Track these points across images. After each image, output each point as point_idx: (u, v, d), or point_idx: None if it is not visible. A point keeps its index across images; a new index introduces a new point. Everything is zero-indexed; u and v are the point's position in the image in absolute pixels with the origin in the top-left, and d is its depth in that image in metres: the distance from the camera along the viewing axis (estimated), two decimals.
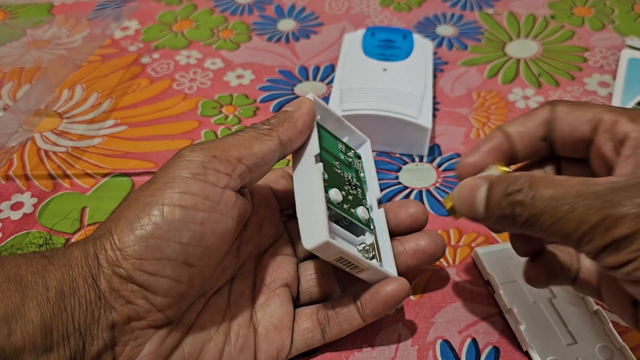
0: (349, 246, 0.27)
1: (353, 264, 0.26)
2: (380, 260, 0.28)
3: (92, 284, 0.22)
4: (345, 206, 0.27)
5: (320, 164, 0.27)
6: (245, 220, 0.27)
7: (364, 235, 0.29)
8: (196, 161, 0.24)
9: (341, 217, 0.28)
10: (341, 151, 0.30)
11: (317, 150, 0.27)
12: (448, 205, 0.26)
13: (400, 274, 0.28)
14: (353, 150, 0.32)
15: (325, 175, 0.27)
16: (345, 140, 0.32)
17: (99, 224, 0.37)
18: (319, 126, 0.29)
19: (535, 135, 0.26)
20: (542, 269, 0.27)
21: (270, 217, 0.30)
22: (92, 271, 0.22)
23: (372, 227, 0.29)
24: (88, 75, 0.49)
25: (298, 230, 0.29)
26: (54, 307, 0.21)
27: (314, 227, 0.24)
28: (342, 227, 0.27)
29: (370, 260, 0.27)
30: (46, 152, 0.42)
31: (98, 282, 0.22)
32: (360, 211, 0.28)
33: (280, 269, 0.30)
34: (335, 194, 0.27)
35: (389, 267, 0.28)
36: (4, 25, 0.55)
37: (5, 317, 0.20)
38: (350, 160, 0.31)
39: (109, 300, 0.22)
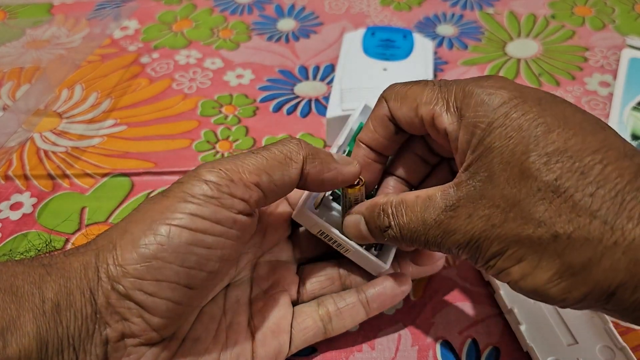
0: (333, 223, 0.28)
1: (336, 241, 0.28)
2: (377, 249, 0.29)
3: (90, 298, 0.22)
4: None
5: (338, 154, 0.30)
6: (250, 240, 0.27)
7: None
8: (212, 183, 0.23)
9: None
10: None
11: (340, 142, 0.30)
12: None
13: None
14: None
15: None
16: None
17: (98, 224, 0.37)
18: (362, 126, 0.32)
19: (387, 135, 0.27)
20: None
21: (275, 223, 0.30)
22: (90, 284, 0.22)
23: None
24: (87, 75, 0.49)
25: (302, 234, 0.31)
26: (50, 321, 0.21)
27: (300, 201, 0.28)
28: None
29: (361, 245, 0.28)
30: (45, 152, 0.42)
31: (96, 296, 0.22)
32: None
33: (276, 273, 0.29)
34: None
35: (384, 256, 0.29)
36: (3, 25, 0.55)
37: (0, 329, 0.20)
38: None
39: (104, 316, 0.22)
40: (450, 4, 0.57)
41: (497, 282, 0.31)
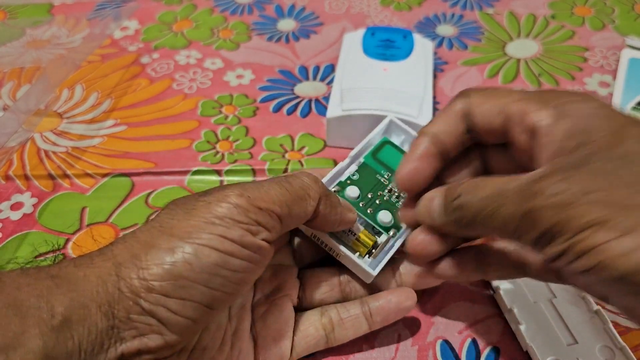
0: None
1: (327, 244, 0.29)
2: (371, 257, 0.29)
3: (107, 312, 0.21)
4: (361, 204, 0.31)
5: (352, 165, 0.32)
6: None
7: (379, 235, 0.30)
8: (242, 208, 0.23)
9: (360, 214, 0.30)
10: None
11: (353, 154, 0.32)
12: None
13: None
14: None
15: (356, 176, 0.31)
16: None
17: (99, 224, 0.37)
18: (386, 142, 0.33)
19: (458, 131, 0.26)
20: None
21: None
22: (109, 298, 0.21)
23: (390, 232, 0.30)
24: (88, 75, 0.49)
25: (302, 238, 0.31)
26: (59, 336, 0.20)
27: None
28: (358, 222, 0.30)
29: (355, 252, 0.29)
30: (46, 152, 0.42)
31: (115, 310, 0.21)
32: (382, 214, 0.30)
33: (278, 277, 0.29)
34: (350, 191, 0.31)
35: (374, 264, 0.29)
36: (3, 25, 0.55)
37: (3, 347, 0.19)
38: None
39: (122, 331, 0.21)
40: (450, 4, 0.57)
41: (497, 281, 0.31)
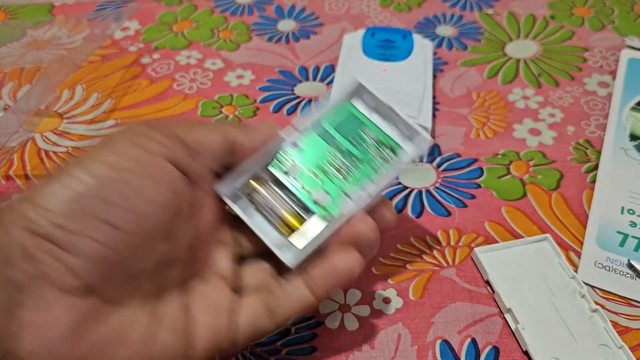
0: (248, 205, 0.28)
1: (250, 228, 0.27)
2: (293, 239, 0.27)
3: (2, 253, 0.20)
4: (292, 177, 0.28)
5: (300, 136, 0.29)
6: (182, 201, 0.25)
7: (311, 217, 0.28)
8: (135, 129, 0.24)
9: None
10: (361, 138, 0.29)
11: (304, 123, 0.29)
12: None
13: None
14: (391, 143, 0.29)
15: (300, 151, 0.29)
16: (388, 132, 0.30)
17: None
18: (349, 113, 0.30)
19: None
20: None
21: (208, 201, 0.27)
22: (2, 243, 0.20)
23: (324, 213, 0.27)
24: (88, 75, 0.49)
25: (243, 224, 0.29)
26: None
27: None
28: (288, 197, 0.28)
29: (282, 234, 0.27)
30: (47, 152, 0.42)
31: (8, 244, 0.20)
32: (317, 193, 0.28)
33: (217, 258, 0.27)
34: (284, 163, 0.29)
35: (293, 250, 0.27)
36: (4, 26, 0.56)
37: None
38: (372, 150, 0.29)
39: (17, 262, 0.20)
40: (450, 5, 0.57)
41: (497, 281, 0.32)
